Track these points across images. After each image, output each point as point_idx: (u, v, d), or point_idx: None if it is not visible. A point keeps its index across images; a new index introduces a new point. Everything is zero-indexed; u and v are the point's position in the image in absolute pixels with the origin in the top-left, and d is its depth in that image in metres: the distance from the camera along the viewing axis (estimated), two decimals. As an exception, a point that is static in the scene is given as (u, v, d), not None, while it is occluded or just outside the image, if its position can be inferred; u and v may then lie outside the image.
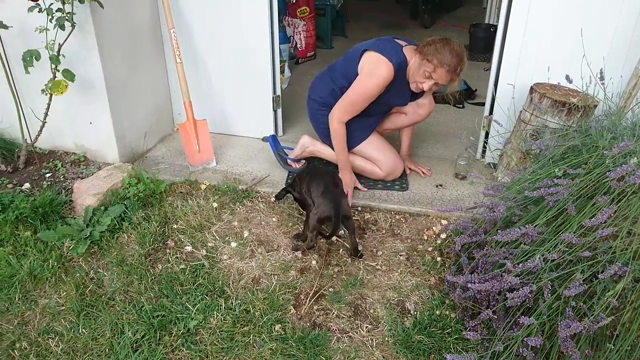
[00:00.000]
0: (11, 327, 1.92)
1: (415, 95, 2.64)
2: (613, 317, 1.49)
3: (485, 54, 5.12)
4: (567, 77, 2.06)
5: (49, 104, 2.54)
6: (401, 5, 7.14)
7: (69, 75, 2.41)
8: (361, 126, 2.63)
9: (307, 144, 2.82)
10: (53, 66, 2.39)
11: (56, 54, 2.36)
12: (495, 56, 2.70)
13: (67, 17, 2.29)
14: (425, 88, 2.42)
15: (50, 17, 2.29)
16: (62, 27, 2.31)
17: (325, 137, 2.72)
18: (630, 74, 2.39)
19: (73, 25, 2.35)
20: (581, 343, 1.50)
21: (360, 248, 2.27)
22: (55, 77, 2.42)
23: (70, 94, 2.54)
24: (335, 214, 2.12)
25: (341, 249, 2.31)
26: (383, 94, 2.46)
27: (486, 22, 5.73)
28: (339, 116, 2.51)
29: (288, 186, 2.47)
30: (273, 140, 2.94)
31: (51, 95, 2.47)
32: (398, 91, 2.52)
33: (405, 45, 2.46)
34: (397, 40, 2.49)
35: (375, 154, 2.68)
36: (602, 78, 1.91)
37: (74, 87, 2.52)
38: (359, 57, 2.45)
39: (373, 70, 2.40)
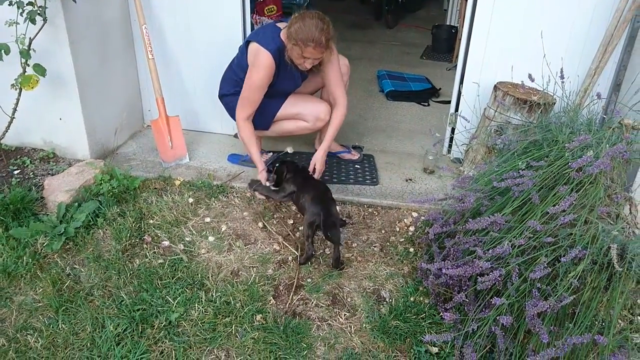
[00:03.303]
0: (-14, 325, 1.89)
1: (304, 76, 2.70)
2: (574, 296, 1.62)
3: (447, 54, 5.31)
4: (530, 76, 2.19)
5: (18, 99, 2.49)
6: (366, 6, 7.27)
7: (40, 69, 2.38)
8: (269, 104, 2.68)
9: None
10: (23, 60, 2.35)
11: (27, 48, 2.33)
12: (461, 56, 2.83)
13: (38, 11, 2.26)
14: (308, 66, 2.46)
15: (20, 10, 2.25)
16: (33, 21, 2.28)
17: None
18: (585, 73, 2.56)
19: (45, 20, 2.32)
20: (546, 321, 1.62)
21: (342, 259, 2.26)
22: (26, 71, 2.38)
23: (39, 90, 2.50)
24: (324, 217, 2.15)
25: (321, 243, 2.38)
26: (274, 81, 2.53)
27: (447, 23, 5.92)
28: (239, 113, 2.57)
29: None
30: (232, 158, 2.98)
31: (21, 90, 2.43)
32: (286, 75, 2.56)
33: (284, 29, 2.47)
34: (279, 24, 2.53)
35: (294, 110, 2.71)
36: (562, 77, 2.06)
37: (43, 83, 2.48)
38: (246, 48, 2.53)
39: (255, 62, 2.47)
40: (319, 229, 2.18)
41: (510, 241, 1.75)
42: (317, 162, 2.64)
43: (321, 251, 2.34)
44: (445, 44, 5.38)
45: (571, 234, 1.77)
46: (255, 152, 2.61)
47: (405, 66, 4.83)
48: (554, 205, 1.72)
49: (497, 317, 1.60)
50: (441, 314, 1.90)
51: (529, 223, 1.74)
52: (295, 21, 2.35)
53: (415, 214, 2.57)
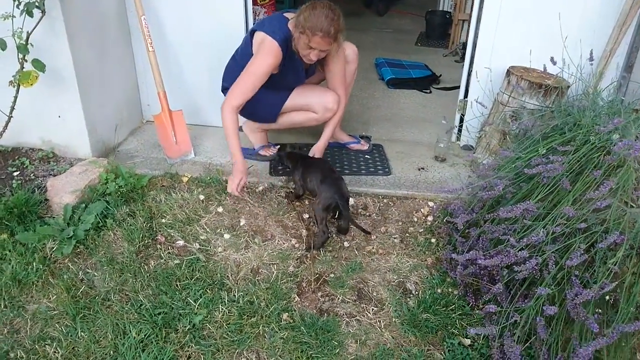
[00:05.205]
0: (1, 337, 1.79)
1: (309, 72, 2.64)
2: (615, 283, 1.59)
3: (442, 40, 5.27)
4: (552, 59, 2.15)
5: (16, 97, 2.36)
6: (355, -7, 7.18)
7: (39, 65, 2.25)
8: (275, 96, 2.61)
9: (252, 126, 2.84)
10: (21, 56, 2.22)
11: (24, 42, 2.20)
12: (470, 41, 2.77)
13: (36, 3, 2.13)
14: (314, 58, 2.37)
15: (17, 2, 2.12)
16: (30, 14, 2.16)
17: (247, 115, 2.71)
18: (600, 55, 2.53)
19: (43, 12, 2.19)
20: (588, 309, 1.59)
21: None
22: (24, 67, 2.26)
23: (36, 87, 2.36)
24: (340, 198, 2.17)
25: (337, 237, 2.32)
26: (279, 72, 2.45)
27: (440, 9, 5.87)
28: (230, 100, 2.39)
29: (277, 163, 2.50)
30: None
31: (19, 87, 2.30)
32: (291, 67, 2.48)
33: (292, 18, 2.37)
34: (287, 14, 2.44)
35: (303, 101, 2.62)
36: (591, 59, 2.02)
37: (40, 79, 2.36)
38: (251, 37, 2.44)
39: (260, 50, 2.37)
40: (337, 209, 2.20)
41: (544, 228, 1.72)
42: (317, 153, 2.63)
43: (340, 245, 2.28)
44: (439, 30, 5.34)
45: (604, 219, 1.74)
46: (238, 147, 2.42)
47: (400, 53, 4.77)
48: (592, 190, 1.68)
49: (541, 307, 1.56)
50: (477, 306, 1.87)
51: (563, 209, 1.71)
52: (305, 9, 2.28)
53: (431, 204, 2.52)
